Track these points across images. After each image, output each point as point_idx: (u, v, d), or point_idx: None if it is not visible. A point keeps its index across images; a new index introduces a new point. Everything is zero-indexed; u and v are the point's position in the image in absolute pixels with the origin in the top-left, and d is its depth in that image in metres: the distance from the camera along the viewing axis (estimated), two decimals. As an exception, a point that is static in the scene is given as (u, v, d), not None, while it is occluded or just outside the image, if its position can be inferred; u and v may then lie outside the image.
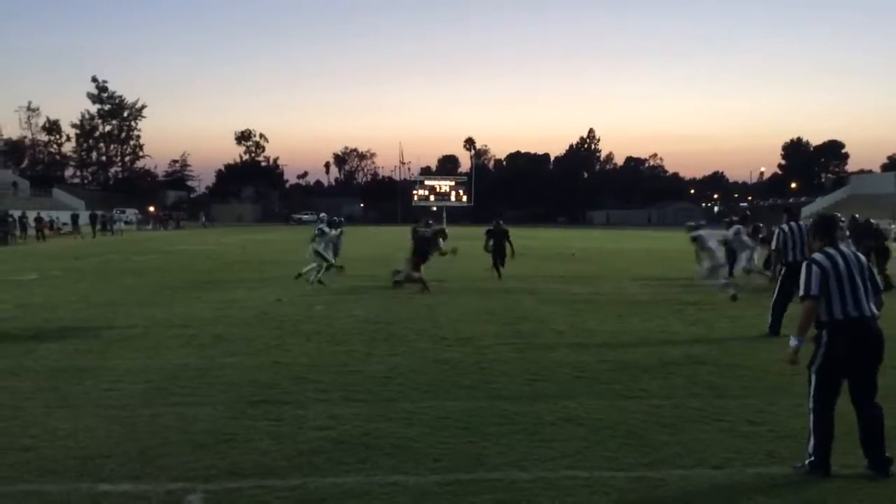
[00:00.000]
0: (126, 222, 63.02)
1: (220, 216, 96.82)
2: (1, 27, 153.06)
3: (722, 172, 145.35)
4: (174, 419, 6.35)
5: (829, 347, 5.16)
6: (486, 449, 5.64)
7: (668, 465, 5.36)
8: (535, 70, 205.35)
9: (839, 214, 10.93)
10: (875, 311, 5.20)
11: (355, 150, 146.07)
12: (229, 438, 5.83)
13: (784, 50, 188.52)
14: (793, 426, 6.18)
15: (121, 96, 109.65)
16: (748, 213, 22.22)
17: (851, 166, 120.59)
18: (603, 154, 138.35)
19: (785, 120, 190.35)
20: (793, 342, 5.26)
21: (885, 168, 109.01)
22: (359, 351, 9.54)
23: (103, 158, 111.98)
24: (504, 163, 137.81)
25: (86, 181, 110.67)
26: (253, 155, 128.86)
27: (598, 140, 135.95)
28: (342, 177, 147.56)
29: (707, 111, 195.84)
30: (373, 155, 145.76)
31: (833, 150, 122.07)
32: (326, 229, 17.92)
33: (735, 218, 19.89)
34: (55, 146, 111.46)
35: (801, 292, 5.25)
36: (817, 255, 5.31)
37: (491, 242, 19.75)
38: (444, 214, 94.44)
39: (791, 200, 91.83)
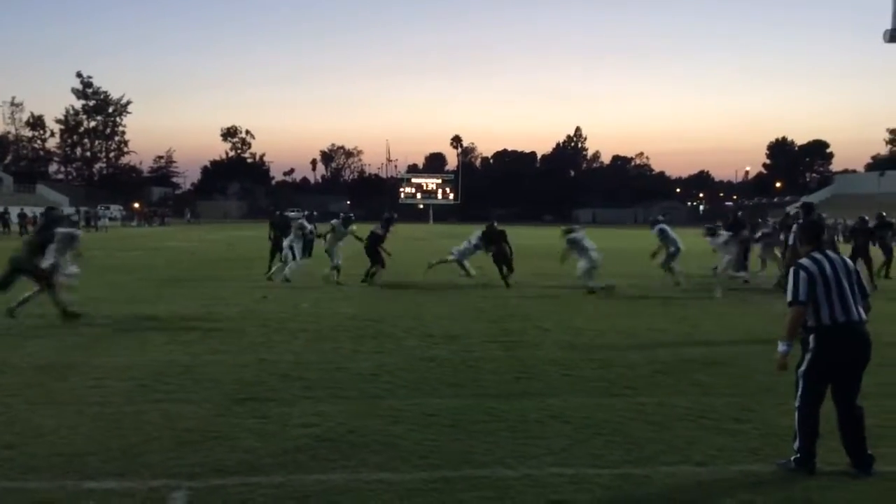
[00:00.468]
0: (111, 219, 62.71)
1: (206, 213, 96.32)
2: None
3: (707, 172, 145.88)
4: (159, 416, 6.32)
5: (817, 352, 5.18)
6: (473, 446, 5.65)
7: (654, 462, 5.40)
8: (522, 68, 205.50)
9: (824, 215, 11.04)
10: (863, 315, 5.23)
11: (342, 147, 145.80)
12: (214, 436, 5.81)
13: (770, 49, 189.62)
14: (778, 424, 6.23)
15: (106, 92, 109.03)
16: (739, 213, 22.24)
17: (836, 166, 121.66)
18: (590, 153, 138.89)
19: (770, 119, 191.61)
20: (781, 348, 5.28)
21: (869, 168, 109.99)
22: (345, 348, 9.52)
23: (88, 154, 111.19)
24: (491, 161, 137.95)
25: (70, 177, 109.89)
26: (239, 151, 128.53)
27: (585, 139, 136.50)
28: (329, 174, 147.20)
29: (693, 110, 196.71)
30: (360, 152, 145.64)
31: (818, 150, 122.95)
32: (341, 227, 17.62)
33: (719, 224, 19.82)
34: (39, 142, 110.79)
35: (789, 298, 5.24)
36: (804, 261, 5.31)
37: (491, 248, 17.49)
38: (431, 212, 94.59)
39: (776, 200, 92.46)
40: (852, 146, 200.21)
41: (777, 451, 5.56)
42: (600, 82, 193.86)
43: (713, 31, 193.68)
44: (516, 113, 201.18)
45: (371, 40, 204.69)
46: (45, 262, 11.18)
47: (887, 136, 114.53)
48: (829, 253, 5.40)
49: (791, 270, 5.34)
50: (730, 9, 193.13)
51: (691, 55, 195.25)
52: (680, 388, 7.62)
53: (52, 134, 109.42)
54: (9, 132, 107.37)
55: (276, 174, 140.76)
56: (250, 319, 11.73)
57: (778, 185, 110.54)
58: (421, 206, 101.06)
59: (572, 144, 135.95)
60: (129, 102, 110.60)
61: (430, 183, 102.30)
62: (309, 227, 19.34)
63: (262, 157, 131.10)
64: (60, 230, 11.81)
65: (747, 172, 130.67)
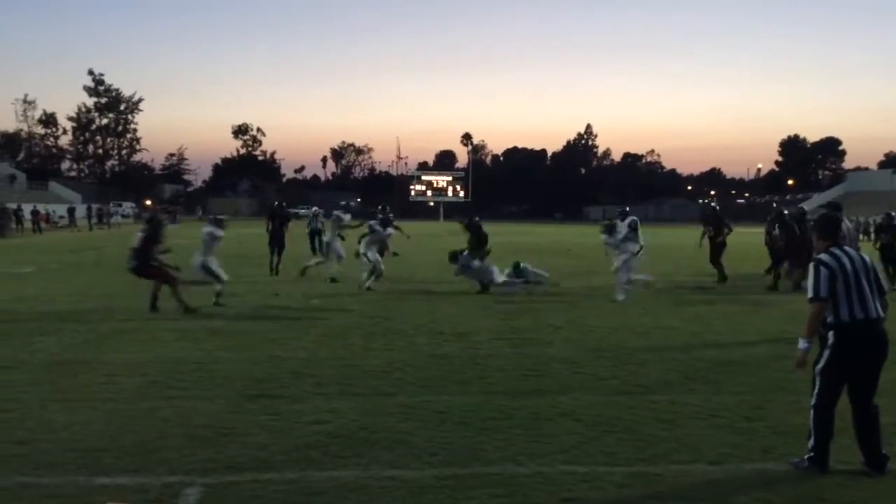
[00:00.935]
0: (123, 215, 62.95)
1: (217, 210, 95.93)
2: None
3: (719, 169, 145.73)
4: (172, 413, 6.34)
5: (836, 349, 5.12)
6: (484, 444, 5.65)
7: (665, 460, 5.37)
8: (532, 65, 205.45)
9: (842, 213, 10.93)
10: (881, 312, 5.18)
11: (352, 144, 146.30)
12: (227, 432, 5.82)
13: (782, 47, 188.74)
14: (790, 422, 6.19)
15: (117, 89, 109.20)
16: (785, 212, 17.80)
17: (848, 163, 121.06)
18: (600, 150, 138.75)
19: (782, 117, 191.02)
20: (801, 345, 5.21)
21: (881, 165, 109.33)
22: (356, 345, 9.54)
23: (100, 151, 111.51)
24: (501, 158, 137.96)
25: (82, 174, 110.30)
26: (250, 149, 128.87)
27: (596, 136, 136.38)
28: (339, 171, 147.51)
29: (705, 107, 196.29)
30: (370, 150, 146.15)
31: (830, 147, 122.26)
32: (378, 228, 16.12)
33: (616, 221, 16.34)
34: (52, 139, 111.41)
35: (810, 294, 5.17)
36: (824, 256, 5.24)
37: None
38: (442, 209, 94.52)
39: (788, 197, 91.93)
40: (865, 144, 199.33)
41: (790, 449, 5.53)
42: (611, 79, 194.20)
43: (725, 29, 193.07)
44: (527, 110, 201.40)
45: (382, 38, 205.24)
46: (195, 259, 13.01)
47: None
48: (848, 249, 5.34)
49: (811, 266, 5.28)
50: (742, 6, 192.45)
51: (703, 52, 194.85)
52: (691, 387, 7.58)
53: (65, 131, 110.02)
54: (21, 130, 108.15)
55: (287, 171, 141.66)
56: (261, 316, 11.75)
57: (790, 182, 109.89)
58: (431, 204, 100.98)
59: (583, 142, 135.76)
60: (140, 100, 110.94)
61: (441, 180, 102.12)
62: (346, 217, 18.43)
63: (272, 154, 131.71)
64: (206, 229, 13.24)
65: (759, 170, 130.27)
